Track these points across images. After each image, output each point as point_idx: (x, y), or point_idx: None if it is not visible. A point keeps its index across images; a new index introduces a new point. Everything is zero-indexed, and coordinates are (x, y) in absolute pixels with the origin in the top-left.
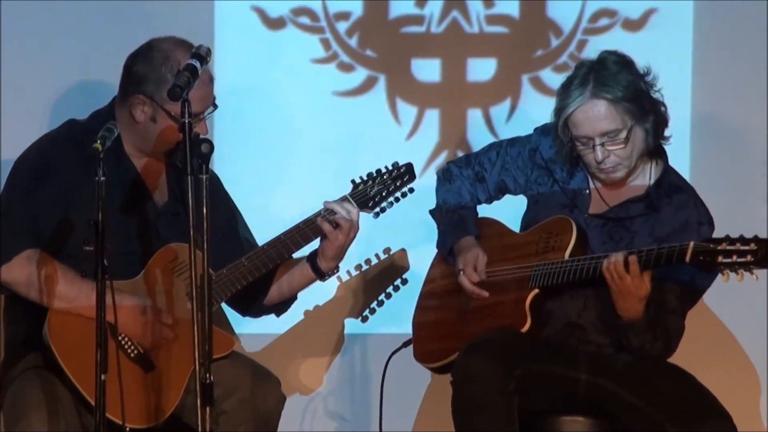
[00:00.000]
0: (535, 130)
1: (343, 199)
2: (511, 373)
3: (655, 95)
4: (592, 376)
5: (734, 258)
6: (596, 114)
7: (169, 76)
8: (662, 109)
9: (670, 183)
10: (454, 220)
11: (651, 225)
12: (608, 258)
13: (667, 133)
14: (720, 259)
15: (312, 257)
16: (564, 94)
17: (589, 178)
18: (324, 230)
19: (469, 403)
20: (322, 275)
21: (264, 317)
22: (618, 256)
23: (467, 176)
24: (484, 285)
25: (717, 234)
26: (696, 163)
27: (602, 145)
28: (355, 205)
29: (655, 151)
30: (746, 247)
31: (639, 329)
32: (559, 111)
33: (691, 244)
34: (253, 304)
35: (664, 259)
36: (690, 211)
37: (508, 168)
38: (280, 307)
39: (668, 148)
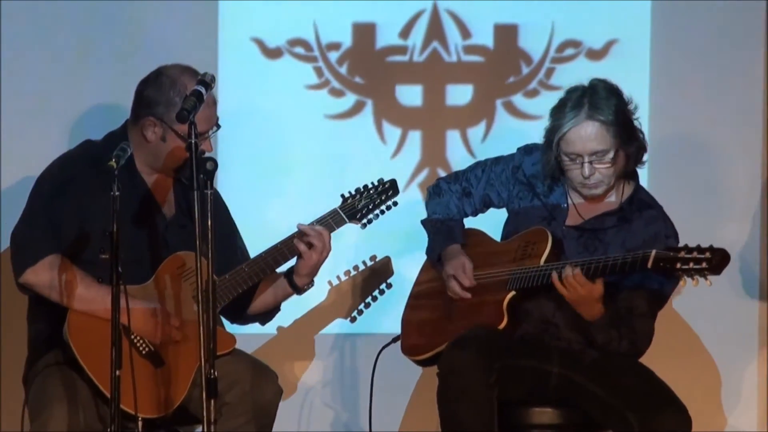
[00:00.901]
0: (519, 149)
1: (317, 220)
2: (492, 367)
3: (636, 123)
4: (562, 370)
5: (691, 265)
6: (589, 134)
7: (177, 99)
8: (641, 136)
9: (641, 200)
10: (443, 230)
11: (623, 237)
12: (561, 273)
13: (644, 157)
14: (679, 265)
15: (288, 274)
16: (559, 114)
17: (568, 194)
18: (299, 250)
19: (454, 393)
20: (298, 290)
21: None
22: (567, 270)
23: (455, 191)
24: (468, 288)
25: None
26: (653, 183)
27: (590, 162)
28: (325, 228)
29: (628, 172)
30: (702, 255)
31: (602, 327)
32: (553, 129)
33: (653, 251)
34: (239, 313)
35: (629, 265)
36: (659, 225)
37: (492, 183)
38: (265, 316)
39: None
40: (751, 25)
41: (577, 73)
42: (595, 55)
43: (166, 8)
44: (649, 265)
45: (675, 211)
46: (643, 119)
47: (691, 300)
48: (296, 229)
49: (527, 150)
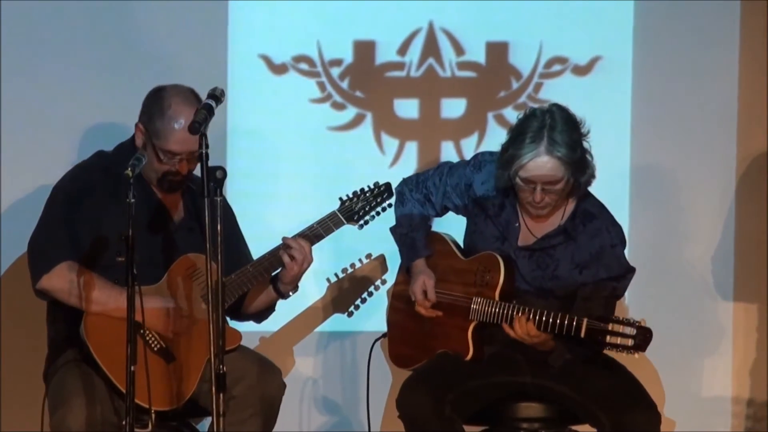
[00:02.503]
0: (469, 164)
1: (317, 222)
2: (444, 400)
3: (586, 145)
4: (535, 379)
5: (619, 341)
6: (545, 167)
7: (157, 113)
8: (591, 160)
9: (585, 211)
10: (407, 243)
11: (571, 252)
12: (512, 328)
13: (592, 181)
14: (608, 339)
15: (273, 280)
16: (518, 143)
17: (519, 213)
18: (283, 261)
19: None
20: (282, 295)
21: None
22: (521, 322)
23: (417, 199)
24: (436, 305)
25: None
26: (635, 190)
27: (543, 189)
28: (307, 241)
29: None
30: (627, 331)
31: (556, 357)
32: (512, 157)
33: (585, 321)
34: (235, 312)
35: (565, 328)
36: (603, 237)
37: (449, 196)
38: (259, 316)
39: (609, 177)
40: (726, 43)
41: (563, 88)
42: (581, 70)
43: (178, 27)
44: (582, 334)
45: (656, 217)
46: (625, 130)
47: (667, 299)
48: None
49: (476, 166)
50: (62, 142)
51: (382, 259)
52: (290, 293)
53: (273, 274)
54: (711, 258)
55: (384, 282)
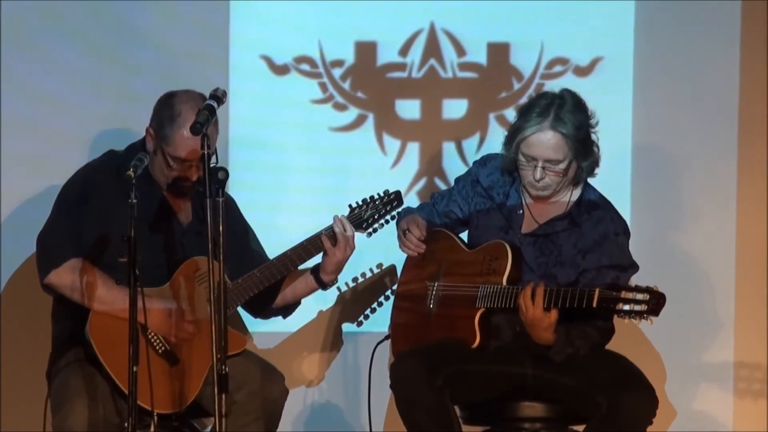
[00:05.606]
0: (474, 162)
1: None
2: (437, 371)
3: (594, 137)
4: (537, 371)
5: (632, 306)
6: (548, 142)
7: (167, 120)
8: (597, 151)
9: (589, 200)
10: (403, 214)
11: (575, 239)
12: (523, 290)
13: (596, 170)
14: (621, 306)
15: (315, 270)
16: (525, 116)
17: (522, 201)
18: (325, 246)
19: (405, 401)
20: (324, 286)
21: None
22: (527, 289)
23: (424, 205)
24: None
25: (639, 265)
26: (636, 190)
27: (543, 168)
28: (351, 226)
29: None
30: (641, 297)
31: (557, 350)
32: (517, 129)
33: (597, 290)
34: (262, 308)
35: (577, 300)
36: (607, 225)
37: (455, 200)
38: (286, 309)
39: (611, 176)
40: (728, 43)
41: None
42: (582, 71)
43: (179, 27)
44: (594, 304)
45: (656, 217)
46: (626, 131)
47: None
48: (318, 230)
49: (482, 162)
50: (64, 141)
51: (392, 269)
52: (331, 284)
53: (315, 264)
54: (712, 252)
55: (394, 293)
